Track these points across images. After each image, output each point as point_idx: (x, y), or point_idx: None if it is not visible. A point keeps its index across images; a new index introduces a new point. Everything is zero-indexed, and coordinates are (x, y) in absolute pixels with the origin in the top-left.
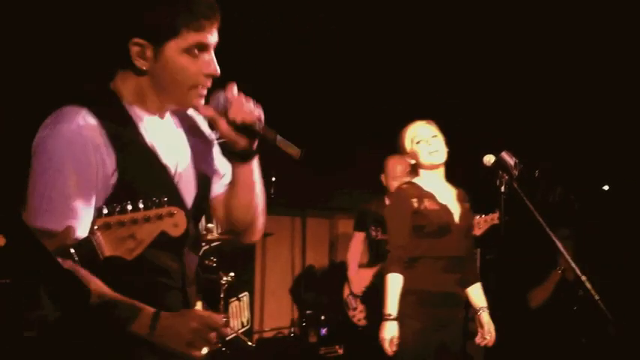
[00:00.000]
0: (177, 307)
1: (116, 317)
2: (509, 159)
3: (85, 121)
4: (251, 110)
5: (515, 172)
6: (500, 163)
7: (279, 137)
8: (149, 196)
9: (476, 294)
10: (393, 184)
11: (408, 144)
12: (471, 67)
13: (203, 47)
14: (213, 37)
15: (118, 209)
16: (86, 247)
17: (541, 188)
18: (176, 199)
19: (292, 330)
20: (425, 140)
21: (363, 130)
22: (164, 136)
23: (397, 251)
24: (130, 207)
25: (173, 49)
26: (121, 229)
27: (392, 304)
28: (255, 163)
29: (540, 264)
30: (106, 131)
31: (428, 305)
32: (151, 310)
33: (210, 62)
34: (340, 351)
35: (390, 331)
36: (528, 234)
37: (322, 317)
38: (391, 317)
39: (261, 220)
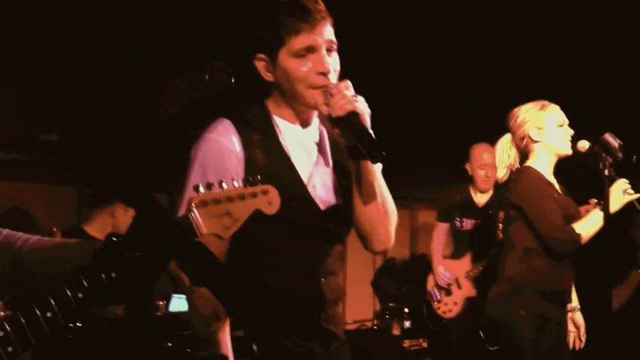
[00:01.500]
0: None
1: None
2: (613, 141)
3: (225, 129)
4: (345, 104)
5: (620, 155)
6: (603, 145)
7: (363, 130)
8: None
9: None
10: (479, 173)
11: (549, 124)
12: (567, 55)
13: (310, 49)
14: (318, 37)
15: (214, 187)
16: (184, 224)
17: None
18: (306, 201)
19: (375, 322)
20: (566, 126)
21: (446, 117)
22: (303, 144)
23: (564, 235)
24: (225, 185)
25: (284, 56)
26: (217, 207)
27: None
28: (370, 168)
29: (620, 261)
30: (242, 139)
31: (548, 301)
32: None
33: (318, 61)
34: (424, 344)
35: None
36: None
37: (406, 310)
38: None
39: (382, 231)
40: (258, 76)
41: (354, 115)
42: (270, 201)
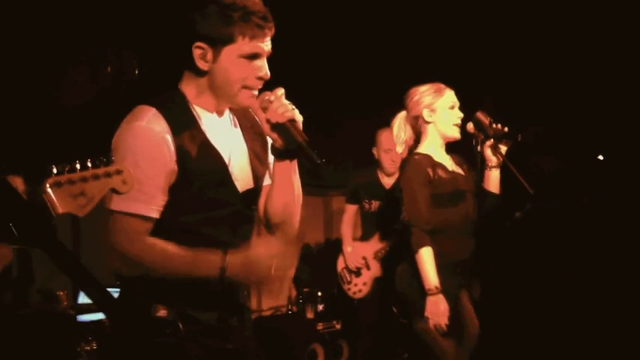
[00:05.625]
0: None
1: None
2: (484, 118)
3: (155, 118)
4: (285, 111)
5: (491, 132)
6: (475, 123)
7: (304, 142)
8: (205, 181)
9: None
10: (385, 157)
11: (441, 107)
12: (458, 32)
13: (257, 55)
14: (266, 45)
15: (67, 168)
16: (39, 204)
17: (534, 157)
18: (228, 183)
19: (290, 308)
20: (456, 109)
21: (349, 101)
22: (221, 131)
23: (420, 224)
24: (78, 166)
25: (229, 53)
26: (72, 187)
27: (432, 278)
28: (292, 166)
29: None
30: (171, 127)
31: (453, 275)
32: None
33: (262, 67)
34: (338, 326)
35: (438, 305)
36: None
37: (319, 293)
38: (436, 290)
39: (293, 220)
40: (190, 60)
41: (292, 123)
42: (124, 180)
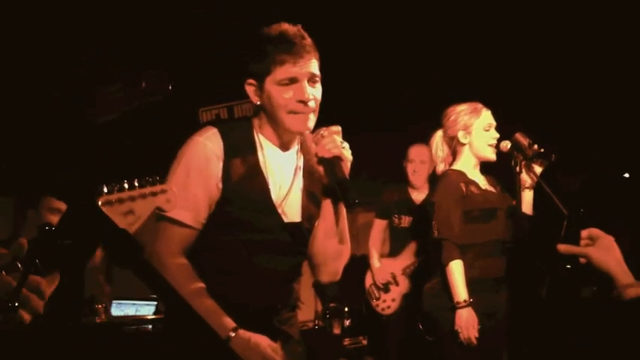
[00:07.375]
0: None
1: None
2: (523, 139)
3: (213, 136)
4: (333, 147)
5: (530, 153)
6: (514, 144)
7: (344, 179)
8: (248, 205)
9: None
10: (408, 168)
11: (476, 129)
12: (487, 52)
13: (292, 79)
14: (302, 68)
15: (116, 188)
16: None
17: (564, 178)
18: (271, 212)
19: (316, 323)
20: (492, 130)
21: (376, 115)
22: (279, 164)
23: (452, 238)
24: (127, 185)
25: (270, 83)
26: (121, 206)
27: (462, 291)
28: (339, 209)
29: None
30: (225, 147)
31: (479, 292)
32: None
33: (299, 90)
34: (364, 342)
35: (468, 318)
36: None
37: (346, 309)
38: (465, 304)
39: (335, 266)
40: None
41: (337, 160)
42: (168, 199)
